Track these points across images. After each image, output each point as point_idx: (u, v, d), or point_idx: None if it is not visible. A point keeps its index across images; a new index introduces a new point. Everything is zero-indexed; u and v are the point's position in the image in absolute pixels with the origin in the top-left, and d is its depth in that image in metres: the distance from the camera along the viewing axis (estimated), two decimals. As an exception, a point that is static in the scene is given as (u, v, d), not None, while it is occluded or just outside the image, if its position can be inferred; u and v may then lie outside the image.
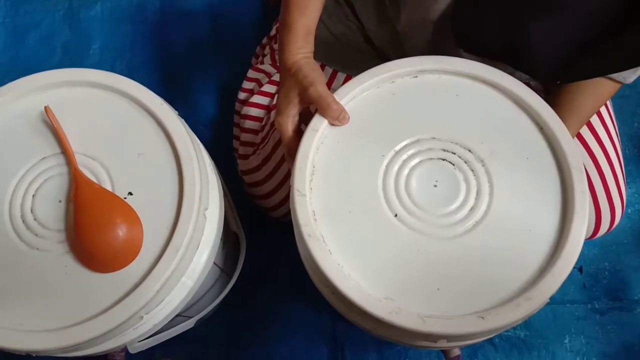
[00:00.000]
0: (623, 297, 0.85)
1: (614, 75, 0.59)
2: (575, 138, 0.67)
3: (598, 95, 0.62)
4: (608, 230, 0.69)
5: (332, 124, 0.52)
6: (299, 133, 0.55)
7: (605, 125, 0.69)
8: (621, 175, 0.69)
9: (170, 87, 1.00)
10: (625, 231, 0.89)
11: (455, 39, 0.60)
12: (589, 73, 0.56)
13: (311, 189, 0.50)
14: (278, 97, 0.56)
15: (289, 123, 0.54)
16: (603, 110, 0.70)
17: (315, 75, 0.53)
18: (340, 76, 0.75)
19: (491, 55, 0.59)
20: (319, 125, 0.52)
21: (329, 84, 0.74)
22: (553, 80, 0.58)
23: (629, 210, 0.90)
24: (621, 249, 0.88)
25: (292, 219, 0.50)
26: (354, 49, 0.74)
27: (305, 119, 0.56)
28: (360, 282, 0.46)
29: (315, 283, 0.52)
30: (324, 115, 0.52)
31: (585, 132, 0.68)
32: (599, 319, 0.84)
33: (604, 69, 0.56)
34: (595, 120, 0.69)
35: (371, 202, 0.49)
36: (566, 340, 0.83)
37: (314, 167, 0.51)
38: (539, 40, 0.52)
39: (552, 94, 0.67)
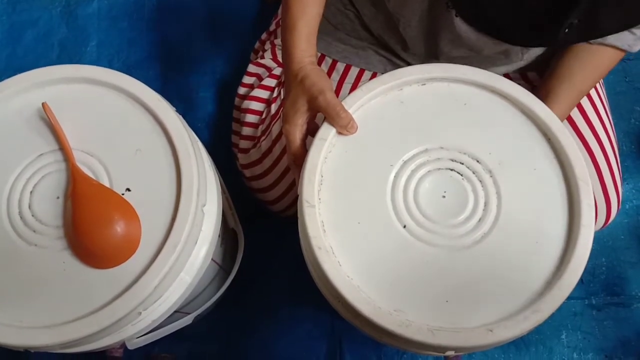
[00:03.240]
0: (620, 293, 0.86)
1: (620, 43, 0.58)
2: (572, 130, 0.68)
3: (597, 64, 0.61)
4: (604, 224, 0.70)
5: (339, 133, 0.52)
6: (305, 141, 0.54)
7: (601, 119, 0.69)
8: (617, 170, 0.69)
9: (168, 84, 1.00)
10: (622, 227, 0.89)
11: (448, 2, 0.59)
12: (605, 30, 0.55)
13: (320, 199, 0.49)
14: (285, 104, 0.55)
15: (297, 132, 0.54)
16: (599, 104, 0.70)
17: (323, 83, 0.52)
18: (340, 66, 0.75)
19: (489, 21, 0.58)
20: (327, 135, 0.51)
21: (328, 75, 0.74)
22: (556, 42, 0.57)
23: (627, 206, 0.91)
24: (618, 245, 0.89)
25: (300, 230, 0.50)
26: (353, 37, 0.74)
27: (309, 128, 0.55)
28: (369, 294, 0.46)
29: (322, 292, 0.52)
30: (332, 123, 0.51)
31: (582, 124, 0.68)
32: (596, 315, 0.84)
33: (621, 24, 0.54)
34: (591, 113, 0.69)
35: (380, 213, 0.49)
36: (563, 336, 0.83)
37: (322, 177, 0.50)
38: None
39: (550, 65, 0.67)
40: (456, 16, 0.60)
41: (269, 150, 0.74)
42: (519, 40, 0.61)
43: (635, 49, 0.59)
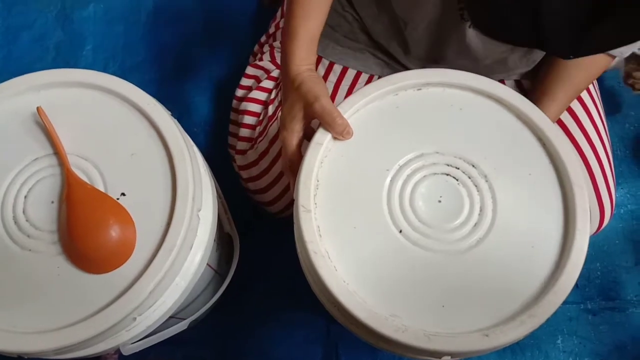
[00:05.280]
0: (615, 297, 0.86)
1: (613, 50, 0.59)
2: (566, 136, 0.68)
3: (590, 67, 0.63)
4: (597, 230, 0.70)
5: (335, 138, 0.52)
6: (301, 147, 0.54)
7: (595, 124, 0.70)
8: (611, 175, 0.69)
9: (164, 88, 1.00)
10: (617, 231, 0.90)
11: (463, 13, 0.59)
12: (605, 45, 0.55)
13: (315, 204, 0.49)
14: (282, 111, 0.56)
15: (294, 138, 0.54)
16: (592, 109, 0.71)
17: (318, 89, 0.52)
18: (337, 68, 0.75)
19: (503, 29, 0.58)
20: (323, 139, 0.51)
21: (325, 77, 0.74)
22: (567, 54, 0.57)
23: (621, 211, 0.91)
24: (613, 250, 0.89)
25: (296, 235, 0.50)
26: (350, 39, 0.75)
27: (306, 133, 0.55)
28: (365, 299, 0.46)
29: (318, 297, 0.52)
30: (328, 129, 0.51)
31: (575, 130, 0.68)
32: (592, 319, 0.84)
33: (623, 40, 0.54)
34: (584, 118, 0.69)
35: (375, 218, 0.49)
36: (559, 341, 0.83)
37: (318, 181, 0.50)
38: (554, 8, 0.50)
39: (542, 64, 0.68)
40: (470, 27, 0.60)
41: (266, 151, 0.74)
42: (539, 45, 0.61)
43: (625, 55, 0.61)
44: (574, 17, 0.51)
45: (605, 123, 0.73)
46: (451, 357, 0.46)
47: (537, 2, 0.50)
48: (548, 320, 0.45)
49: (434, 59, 0.69)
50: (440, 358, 0.46)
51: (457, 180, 0.51)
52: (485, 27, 0.60)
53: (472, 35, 0.62)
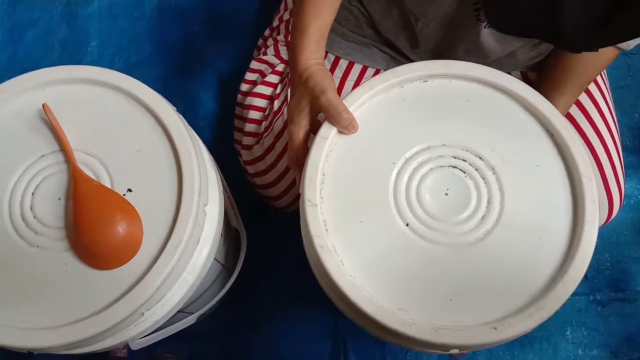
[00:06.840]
0: (625, 288, 0.85)
1: (621, 43, 0.59)
2: (573, 128, 0.67)
3: (598, 60, 0.62)
4: (606, 221, 0.69)
5: (340, 132, 0.52)
6: (307, 141, 0.54)
7: (603, 115, 0.69)
8: (619, 166, 0.69)
9: (169, 84, 1.00)
10: (627, 222, 0.89)
11: (479, 13, 0.59)
12: (621, 37, 0.55)
13: (322, 198, 0.49)
14: (289, 105, 0.56)
15: (301, 132, 0.54)
16: (600, 99, 0.70)
17: (326, 83, 0.52)
18: (343, 63, 0.74)
19: (517, 25, 0.58)
20: (328, 133, 0.51)
21: (331, 72, 0.74)
22: (582, 48, 0.57)
23: (631, 202, 0.90)
24: (622, 240, 0.88)
25: (302, 229, 0.50)
26: (356, 34, 0.74)
27: (312, 126, 0.55)
28: (373, 293, 0.46)
29: (325, 291, 0.52)
30: (334, 123, 0.51)
31: (582, 121, 0.68)
32: (601, 311, 0.84)
33: (634, 33, 0.53)
34: (592, 109, 0.69)
35: (382, 211, 0.49)
36: (568, 332, 0.83)
37: (323, 175, 0.50)
38: (572, 3, 0.50)
39: (550, 57, 0.68)
40: (485, 27, 0.60)
41: (272, 146, 0.74)
42: (559, 43, 0.60)
43: (630, 47, 0.60)
44: (592, 13, 0.50)
45: (613, 114, 0.72)
46: (459, 350, 0.46)
47: (558, 3, 0.50)
48: (557, 312, 0.45)
49: (441, 54, 0.68)
50: (448, 351, 0.46)
51: (464, 172, 0.50)
52: (501, 25, 0.60)
53: (487, 34, 0.61)
